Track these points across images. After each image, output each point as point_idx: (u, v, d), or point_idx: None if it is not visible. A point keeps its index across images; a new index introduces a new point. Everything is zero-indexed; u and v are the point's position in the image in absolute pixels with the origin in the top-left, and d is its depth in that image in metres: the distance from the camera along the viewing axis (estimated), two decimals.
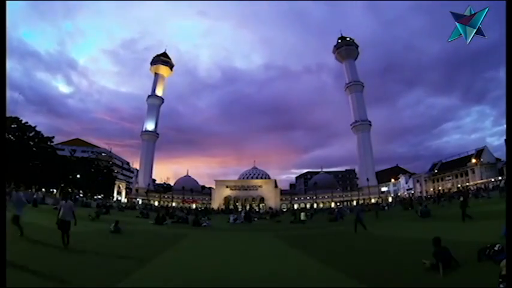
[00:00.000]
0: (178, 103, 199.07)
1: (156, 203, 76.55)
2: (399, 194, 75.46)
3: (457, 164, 65.37)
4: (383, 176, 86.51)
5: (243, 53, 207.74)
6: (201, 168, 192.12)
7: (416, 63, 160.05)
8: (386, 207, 41.53)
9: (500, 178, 50.98)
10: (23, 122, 44.47)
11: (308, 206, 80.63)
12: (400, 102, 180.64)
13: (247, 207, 73.88)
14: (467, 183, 58.98)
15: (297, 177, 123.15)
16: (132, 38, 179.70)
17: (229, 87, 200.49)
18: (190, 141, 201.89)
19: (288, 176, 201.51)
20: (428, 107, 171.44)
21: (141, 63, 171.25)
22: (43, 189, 50.39)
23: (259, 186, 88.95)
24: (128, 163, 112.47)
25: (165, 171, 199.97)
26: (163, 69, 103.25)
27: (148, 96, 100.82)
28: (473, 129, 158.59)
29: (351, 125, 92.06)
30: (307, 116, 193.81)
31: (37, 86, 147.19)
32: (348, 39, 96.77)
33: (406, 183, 77.46)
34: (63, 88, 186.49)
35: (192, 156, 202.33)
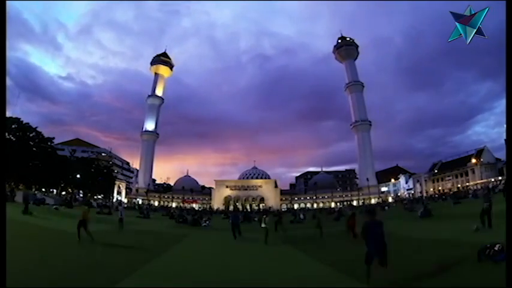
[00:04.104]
0: (201, 85, 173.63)
1: (156, 203, 76.76)
2: (399, 194, 75.45)
3: (457, 164, 65.37)
4: (383, 176, 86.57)
5: (290, 16, 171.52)
6: (207, 166, 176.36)
7: (476, 42, 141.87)
8: (386, 208, 41.48)
9: (500, 178, 50.98)
10: (23, 122, 44.56)
11: (308, 206, 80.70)
12: (445, 87, 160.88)
13: (248, 207, 73.96)
14: (467, 183, 59.02)
15: (297, 177, 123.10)
16: None
17: (271, 62, 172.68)
18: (202, 134, 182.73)
19: (290, 175, 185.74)
20: (471, 93, 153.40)
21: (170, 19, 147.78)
22: (43, 189, 50.52)
23: (259, 186, 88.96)
24: (127, 163, 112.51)
25: (166, 169, 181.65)
26: (163, 69, 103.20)
27: (148, 96, 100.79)
28: (498, 122, 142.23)
29: (350, 124, 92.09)
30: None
31: (25, 65, 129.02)
32: (347, 39, 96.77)
33: (406, 183, 77.40)
34: (58, 67, 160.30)
35: (200, 152, 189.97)
